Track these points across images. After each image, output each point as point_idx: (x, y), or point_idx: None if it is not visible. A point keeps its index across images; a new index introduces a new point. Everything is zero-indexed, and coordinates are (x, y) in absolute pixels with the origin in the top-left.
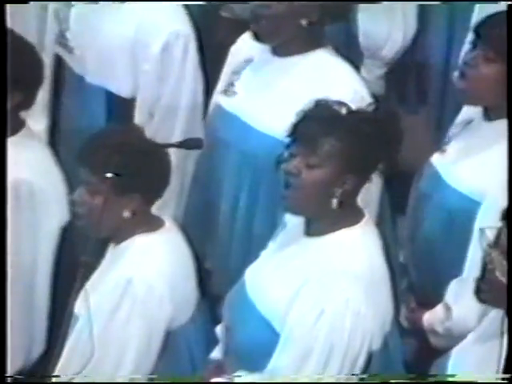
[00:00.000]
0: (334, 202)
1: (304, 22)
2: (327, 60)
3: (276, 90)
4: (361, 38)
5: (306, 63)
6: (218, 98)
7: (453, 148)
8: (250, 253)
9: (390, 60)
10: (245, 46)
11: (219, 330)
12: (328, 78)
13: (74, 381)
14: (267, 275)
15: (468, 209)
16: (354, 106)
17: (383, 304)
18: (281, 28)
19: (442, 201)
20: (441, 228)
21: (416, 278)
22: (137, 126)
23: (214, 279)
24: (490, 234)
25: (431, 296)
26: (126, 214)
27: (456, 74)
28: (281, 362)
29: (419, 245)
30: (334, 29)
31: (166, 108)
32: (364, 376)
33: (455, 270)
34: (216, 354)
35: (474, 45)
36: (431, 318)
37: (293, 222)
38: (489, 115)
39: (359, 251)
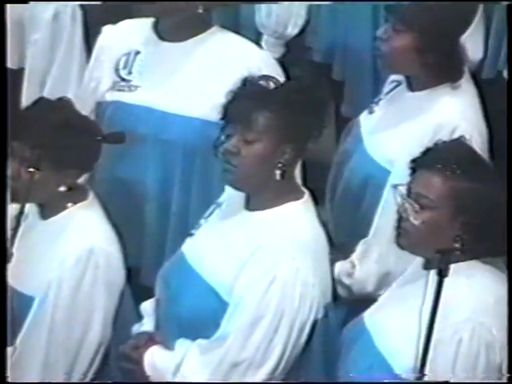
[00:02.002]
0: (277, 173)
1: (200, 9)
2: (229, 37)
3: (183, 72)
4: (264, 18)
5: (210, 43)
6: (114, 95)
7: (380, 110)
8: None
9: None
10: (118, 40)
11: (147, 305)
12: (229, 53)
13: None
14: (210, 247)
15: (379, 176)
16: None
17: (326, 274)
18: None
19: (358, 164)
20: (357, 189)
21: (334, 233)
22: (67, 100)
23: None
24: (402, 188)
25: (348, 250)
26: (62, 188)
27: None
28: (231, 328)
29: (338, 197)
30: (223, 11)
31: (57, 77)
32: None
33: (367, 230)
34: (141, 327)
35: (386, 20)
36: (340, 269)
37: (228, 201)
38: (411, 85)
39: (305, 223)
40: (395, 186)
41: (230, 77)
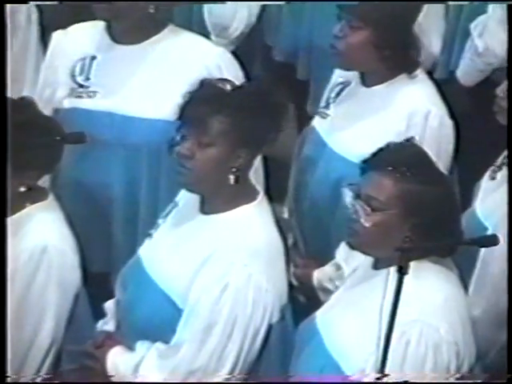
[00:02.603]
0: (231, 177)
1: (152, 9)
2: (177, 35)
3: (141, 74)
4: (207, 17)
5: (165, 44)
6: (72, 102)
7: (334, 113)
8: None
9: (237, 38)
10: (71, 45)
11: (110, 304)
12: (186, 52)
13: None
14: (165, 252)
15: (355, 174)
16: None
17: (281, 277)
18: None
19: (329, 167)
20: (329, 192)
21: (303, 238)
22: (29, 99)
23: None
24: (353, 189)
25: (320, 254)
26: (22, 188)
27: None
28: (185, 336)
29: (305, 206)
30: (178, 10)
31: (12, 78)
32: None
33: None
34: (104, 326)
35: (340, 18)
36: (320, 275)
37: (185, 201)
38: (365, 81)
39: (258, 227)
40: (345, 188)
41: (188, 76)
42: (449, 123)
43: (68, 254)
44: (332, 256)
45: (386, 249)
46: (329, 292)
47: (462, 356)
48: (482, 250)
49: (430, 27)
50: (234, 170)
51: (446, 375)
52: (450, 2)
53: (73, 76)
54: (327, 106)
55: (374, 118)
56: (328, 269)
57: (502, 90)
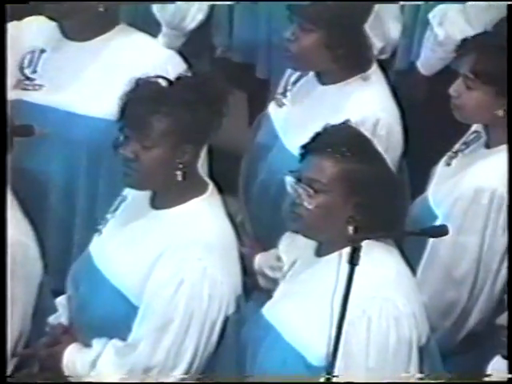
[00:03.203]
0: (179, 173)
1: (101, 8)
2: (131, 36)
3: (87, 72)
4: (161, 9)
5: (113, 43)
6: (18, 94)
7: (290, 104)
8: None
9: (189, 31)
10: (22, 37)
11: (61, 300)
12: (135, 52)
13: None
14: (117, 249)
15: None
16: (171, 77)
17: (235, 269)
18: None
19: (277, 160)
20: (275, 183)
21: (251, 219)
22: None
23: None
24: (294, 175)
25: (266, 240)
26: None
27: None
28: (141, 333)
29: (255, 193)
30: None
31: None
32: None
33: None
34: (58, 319)
35: (291, 20)
36: (262, 260)
37: (134, 195)
38: (321, 78)
39: (210, 220)
40: (287, 174)
41: (134, 76)
42: (397, 130)
43: (30, 247)
44: (276, 244)
45: (330, 231)
46: (268, 279)
47: (421, 327)
48: (429, 241)
49: (388, 15)
50: (180, 166)
51: (409, 349)
52: (448, 2)
53: (21, 68)
54: (284, 93)
55: (326, 121)
56: (270, 256)
57: (454, 89)
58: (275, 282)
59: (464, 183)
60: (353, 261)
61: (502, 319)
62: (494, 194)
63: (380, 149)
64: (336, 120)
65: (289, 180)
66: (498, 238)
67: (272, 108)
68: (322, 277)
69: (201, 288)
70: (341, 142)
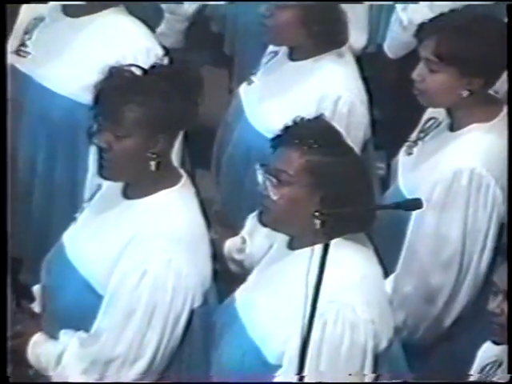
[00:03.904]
0: (152, 164)
1: None
2: (117, 19)
3: (68, 50)
4: None
5: (97, 23)
6: (11, 58)
7: (259, 82)
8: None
9: (191, 15)
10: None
11: (37, 289)
12: (119, 38)
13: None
14: (87, 239)
15: (264, 147)
16: (148, 65)
17: (203, 262)
18: None
19: (242, 136)
20: (241, 161)
21: (222, 207)
22: None
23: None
24: (264, 168)
25: (235, 224)
26: None
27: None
28: (105, 324)
29: (223, 175)
30: None
31: None
32: None
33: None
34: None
35: None
36: (231, 245)
37: (108, 184)
38: (292, 55)
39: (179, 212)
40: (257, 166)
41: (109, 60)
42: (360, 111)
43: None
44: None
45: (296, 225)
46: (237, 263)
47: (380, 334)
48: (409, 230)
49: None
50: (154, 156)
51: (362, 354)
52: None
53: (24, 32)
54: (255, 73)
55: (289, 95)
56: (237, 240)
57: (417, 74)
58: (242, 265)
59: (441, 166)
60: (324, 259)
61: (494, 305)
62: (472, 174)
63: (340, 127)
64: (297, 96)
65: (260, 171)
66: (479, 218)
67: (242, 87)
68: (292, 272)
69: (165, 280)
70: (310, 134)
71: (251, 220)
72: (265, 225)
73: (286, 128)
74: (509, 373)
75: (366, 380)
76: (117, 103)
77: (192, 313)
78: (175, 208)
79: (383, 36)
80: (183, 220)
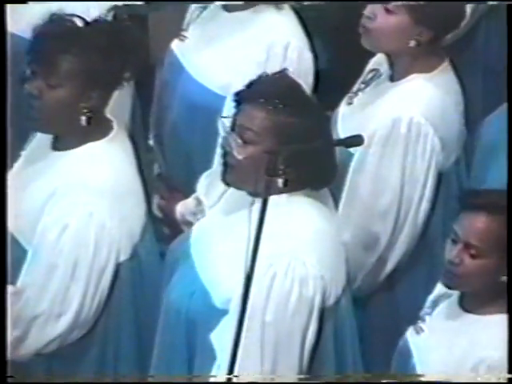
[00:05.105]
0: (83, 119)
1: None
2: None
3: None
4: None
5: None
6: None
7: (192, 35)
8: None
9: None
10: None
11: None
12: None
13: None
14: (17, 189)
15: (212, 103)
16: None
17: (132, 215)
18: None
19: (187, 92)
20: (187, 119)
21: (167, 167)
22: None
23: None
24: (227, 121)
25: (184, 186)
26: None
27: None
28: (28, 277)
29: (167, 134)
30: None
31: None
32: None
33: (206, 163)
34: None
35: None
36: (183, 209)
37: (40, 136)
38: (227, 6)
39: (104, 165)
40: (221, 119)
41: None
42: (308, 56)
43: None
44: (195, 189)
45: (260, 184)
46: (191, 225)
47: (329, 290)
48: (350, 173)
49: None
50: (85, 110)
51: (310, 308)
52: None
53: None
54: (186, 28)
55: (234, 45)
56: (190, 202)
57: (370, 11)
58: None
59: (380, 115)
60: (263, 214)
61: (452, 254)
62: (411, 122)
63: (292, 72)
64: (244, 45)
65: (223, 125)
66: (417, 167)
67: (175, 44)
68: (244, 220)
69: (86, 234)
70: (275, 92)
71: (204, 179)
72: (228, 184)
73: (250, 84)
74: (509, 373)
75: None
76: (53, 51)
77: (119, 266)
78: (100, 160)
79: None
80: (108, 173)
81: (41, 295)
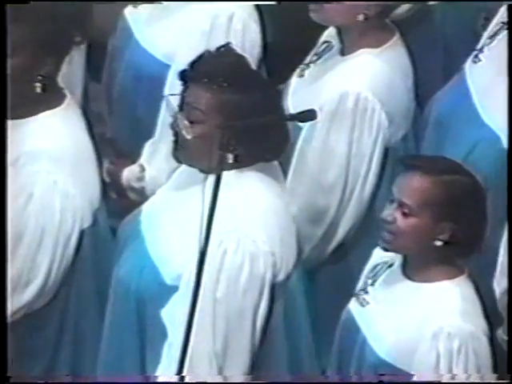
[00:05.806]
0: (38, 86)
1: None
2: None
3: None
4: None
5: None
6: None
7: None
8: None
9: None
10: None
11: None
12: None
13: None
14: None
15: (158, 71)
16: None
17: (90, 181)
18: None
19: (133, 59)
20: (133, 85)
21: (115, 133)
22: None
23: None
24: (175, 100)
25: (132, 152)
26: None
27: None
28: None
29: (115, 99)
30: None
31: None
32: None
33: (152, 129)
34: None
35: None
36: (129, 174)
37: None
38: None
39: (62, 133)
40: (167, 97)
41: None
42: (254, 28)
43: None
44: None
45: (210, 160)
46: (137, 191)
47: (279, 266)
48: (297, 147)
49: None
50: (39, 77)
51: (261, 284)
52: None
53: None
54: None
55: (180, 14)
56: (135, 168)
57: None
58: (142, 193)
59: (328, 89)
60: (216, 190)
61: (387, 212)
62: (358, 97)
63: (236, 44)
64: (189, 14)
65: (170, 103)
66: (364, 142)
67: (128, 10)
68: (196, 197)
69: (51, 202)
70: (219, 71)
71: (149, 147)
72: (179, 161)
73: (193, 63)
74: (508, 373)
75: None
76: (4, 21)
77: (82, 233)
78: (57, 129)
79: None
80: (67, 141)
81: (9, 264)
